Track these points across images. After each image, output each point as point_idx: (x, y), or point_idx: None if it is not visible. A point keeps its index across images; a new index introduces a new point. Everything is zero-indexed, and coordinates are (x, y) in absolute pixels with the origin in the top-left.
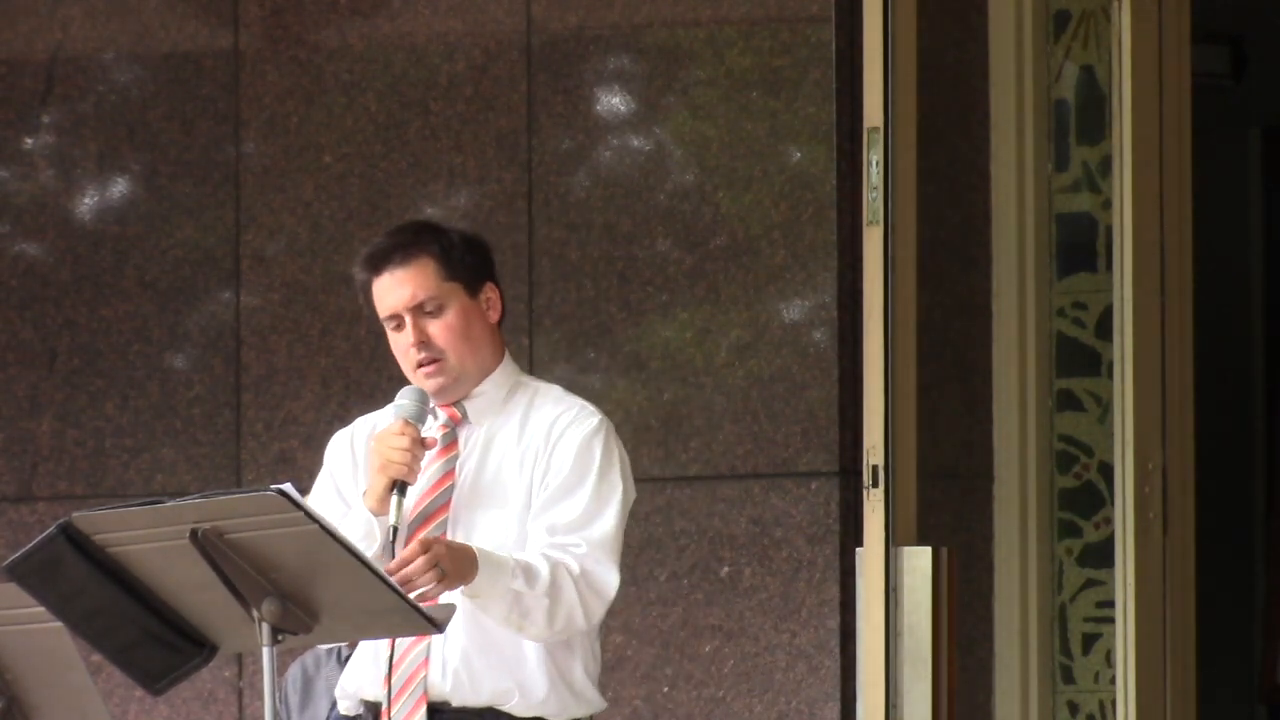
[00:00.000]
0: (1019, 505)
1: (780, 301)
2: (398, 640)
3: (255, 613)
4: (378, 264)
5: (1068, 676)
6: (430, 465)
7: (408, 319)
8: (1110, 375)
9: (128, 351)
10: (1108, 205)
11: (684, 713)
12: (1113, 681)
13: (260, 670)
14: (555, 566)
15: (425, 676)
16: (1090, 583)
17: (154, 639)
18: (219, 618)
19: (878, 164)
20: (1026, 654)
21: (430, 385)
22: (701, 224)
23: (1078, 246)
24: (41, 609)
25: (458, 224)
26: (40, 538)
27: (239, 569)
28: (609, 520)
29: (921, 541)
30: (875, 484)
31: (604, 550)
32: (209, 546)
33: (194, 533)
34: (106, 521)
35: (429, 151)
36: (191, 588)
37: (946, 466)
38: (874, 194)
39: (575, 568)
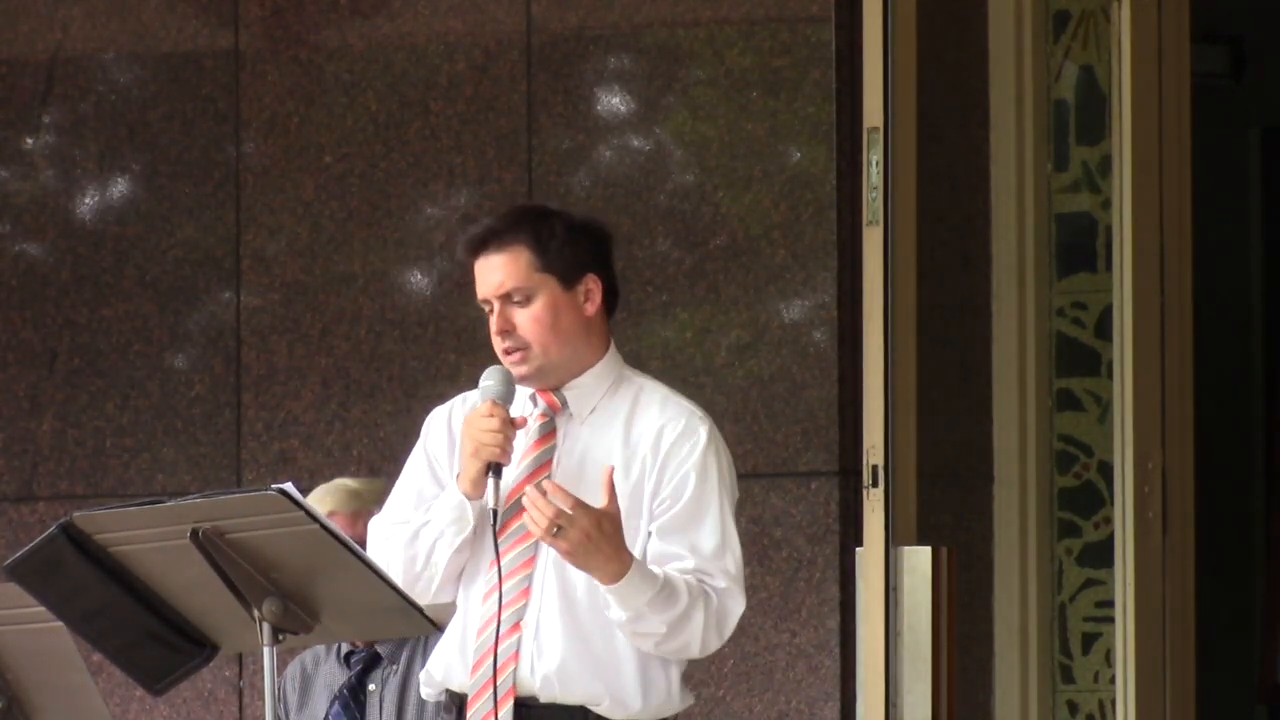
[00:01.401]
0: (1019, 505)
1: (780, 301)
2: (488, 631)
3: (256, 612)
4: (475, 247)
5: (1067, 676)
6: (526, 456)
7: (496, 305)
8: (1110, 375)
9: (128, 351)
10: (1107, 205)
11: (684, 712)
12: (1112, 681)
13: (260, 670)
14: (694, 597)
15: (515, 670)
16: (1090, 582)
17: (154, 639)
18: (219, 618)
19: (878, 164)
20: (1026, 654)
21: (516, 371)
22: (701, 224)
23: (1077, 246)
24: (42, 609)
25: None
26: (41, 537)
27: (239, 569)
28: (737, 545)
29: (921, 541)
30: (875, 484)
31: (739, 580)
32: (209, 546)
33: (194, 532)
34: (107, 521)
35: (429, 151)
36: (192, 588)
37: (946, 466)
38: (874, 194)
39: (714, 602)
